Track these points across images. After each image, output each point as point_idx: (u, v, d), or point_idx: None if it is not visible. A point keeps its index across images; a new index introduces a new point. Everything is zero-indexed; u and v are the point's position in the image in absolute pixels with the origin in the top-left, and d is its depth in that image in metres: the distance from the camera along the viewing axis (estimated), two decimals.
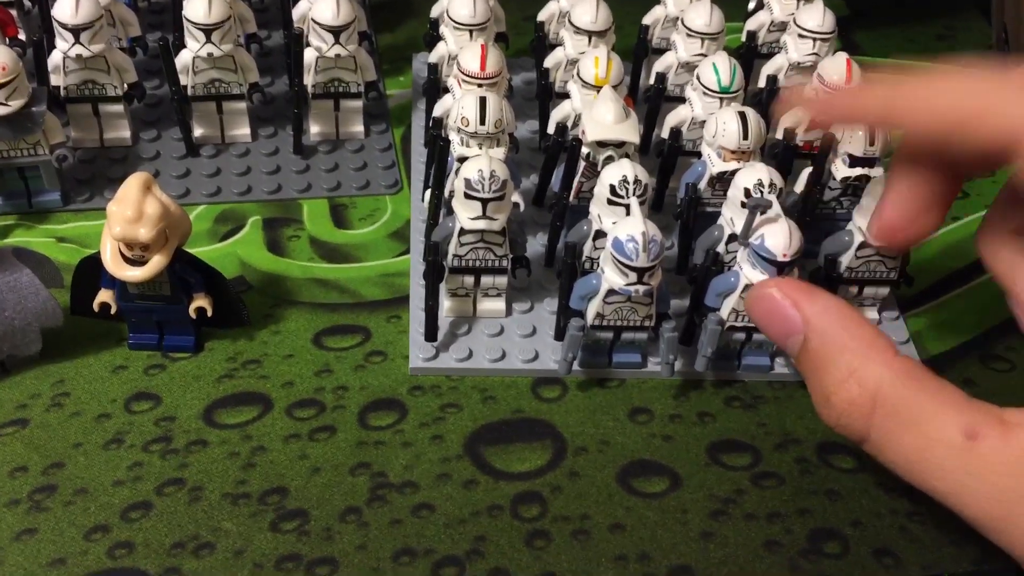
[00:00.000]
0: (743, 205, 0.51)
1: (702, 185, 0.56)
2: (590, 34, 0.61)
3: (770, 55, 0.66)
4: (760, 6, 0.69)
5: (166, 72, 0.61)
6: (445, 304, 0.55)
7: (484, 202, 0.50)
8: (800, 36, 0.62)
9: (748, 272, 0.50)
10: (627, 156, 0.54)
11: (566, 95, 0.61)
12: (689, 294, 0.54)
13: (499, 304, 0.56)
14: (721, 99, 0.57)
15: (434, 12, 0.67)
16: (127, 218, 0.48)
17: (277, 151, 0.65)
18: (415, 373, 0.54)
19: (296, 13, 0.66)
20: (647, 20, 0.67)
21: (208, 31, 0.59)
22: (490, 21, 0.61)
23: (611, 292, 0.50)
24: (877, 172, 0.55)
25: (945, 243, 0.63)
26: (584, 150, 0.55)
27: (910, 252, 0.55)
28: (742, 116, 0.54)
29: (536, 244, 0.59)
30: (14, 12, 0.67)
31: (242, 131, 0.65)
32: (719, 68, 0.57)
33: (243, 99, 0.64)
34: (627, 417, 0.52)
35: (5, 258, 0.50)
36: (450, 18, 0.61)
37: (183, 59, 0.61)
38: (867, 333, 0.39)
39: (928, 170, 0.44)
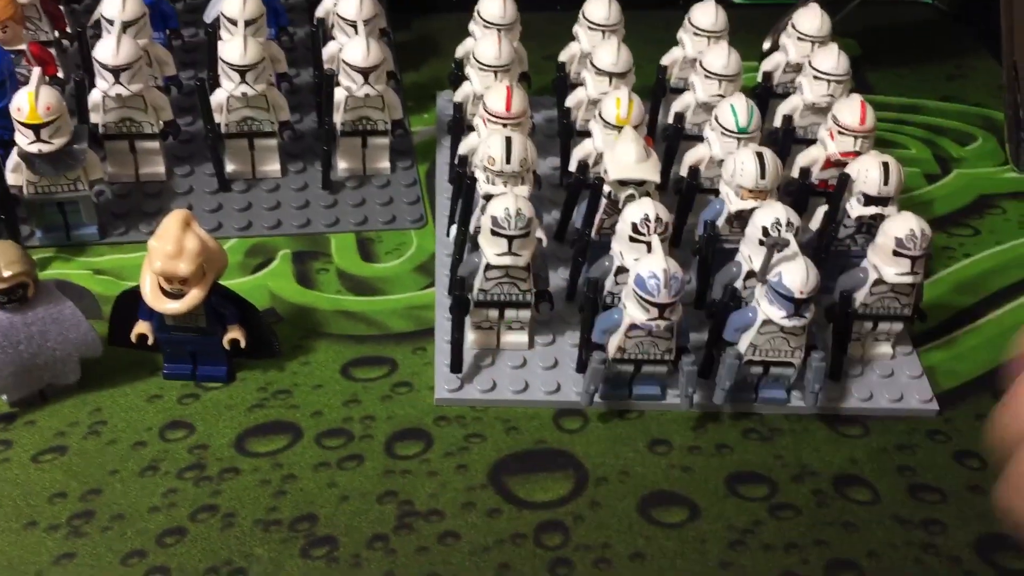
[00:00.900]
0: (761, 243, 0.52)
1: (720, 222, 0.58)
2: (611, 75, 0.63)
3: (785, 95, 0.67)
4: (775, 47, 0.70)
5: (202, 111, 0.64)
6: (470, 336, 0.57)
7: (510, 239, 0.52)
8: (815, 78, 0.63)
9: (765, 308, 0.51)
10: (648, 194, 0.55)
11: (587, 133, 0.63)
12: (707, 328, 0.56)
13: (522, 337, 0.57)
14: (739, 139, 0.59)
15: (459, 52, 0.69)
16: (168, 253, 0.50)
17: (306, 186, 0.68)
18: (440, 404, 0.55)
19: (326, 53, 0.68)
20: (665, 61, 0.69)
21: (243, 72, 0.62)
22: (514, 62, 0.63)
23: (633, 327, 0.51)
24: (891, 211, 0.56)
25: (957, 280, 0.65)
26: (606, 188, 0.57)
27: (923, 288, 0.56)
28: (759, 156, 0.55)
29: (558, 279, 0.61)
30: (53, 51, 0.69)
31: (273, 167, 0.68)
32: (737, 109, 0.59)
33: (274, 136, 0.66)
34: (647, 448, 0.54)
35: (49, 291, 0.51)
36: (476, 59, 0.63)
37: (218, 98, 0.64)
38: None
39: None
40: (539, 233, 0.56)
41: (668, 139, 0.66)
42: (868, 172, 0.56)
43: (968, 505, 0.51)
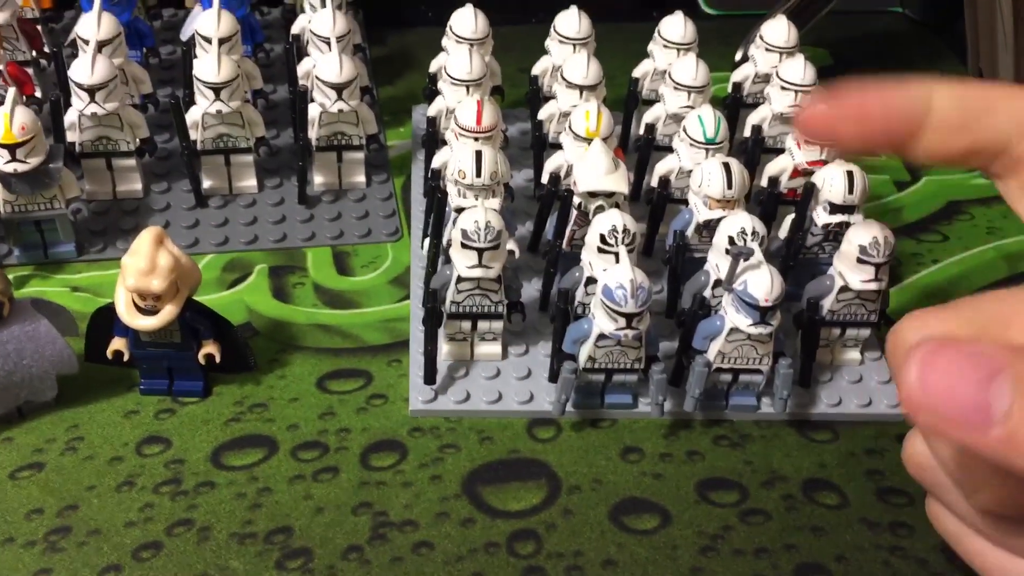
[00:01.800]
0: (727, 252, 0.53)
1: (689, 232, 0.58)
2: (581, 88, 0.64)
3: (755, 105, 0.68)
4: (745, 59, 0.71)
5: (177, 128, 0.64)
6: (444, 348, 0.58)
7: (480, 251, 0.53)
8: (782, 88, 0.64)
9: (732, 316, 0.52)
10: (617, 205, 0.56)
11: (559, 146, 0.63)
12: (678, 337, 0.57)
13: (495, 348, 0.58)
14: (707, 150, 0.60)
15: (432, 67, 0.70)
16: (141, 270, 0.50)
17: (282, 201, 0.68)
18: (415, 415, 0.56)
19: (300, 70, 0.69)
20: (637, 73, 0.70)
21: (217, 89, 0.62)
22: (486, 77, 0.64)
23: (602, 336, 0.52)
24: (857, 219, 0.57)
25: (925, 286, 0.66)
26: (576, 199, 0.58)
27: (889, 295, 0.57)
28: (726, 167, 0.56)
29: (531, 289, 0.62)
30: (30, 71, 0.70)
31: (249, 183, 0.68)
32: (704, 120, 0.60)
33: (250, 152, 0.67)
34: (619, 456, 0.54)
35: (24, 309, 0.52)
36: (448, 74, 0.64)
37: (193, 116, 0.64)
38: None
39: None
40: (511, 245, 0.56)
41: (639, 150, 0.67)
42: (833, 181, 0.57)
43: None
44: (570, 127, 0.61)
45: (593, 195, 0.57)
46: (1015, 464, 0.27)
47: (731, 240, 0.53)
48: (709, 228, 0.57)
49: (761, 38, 0.69)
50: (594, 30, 0.68)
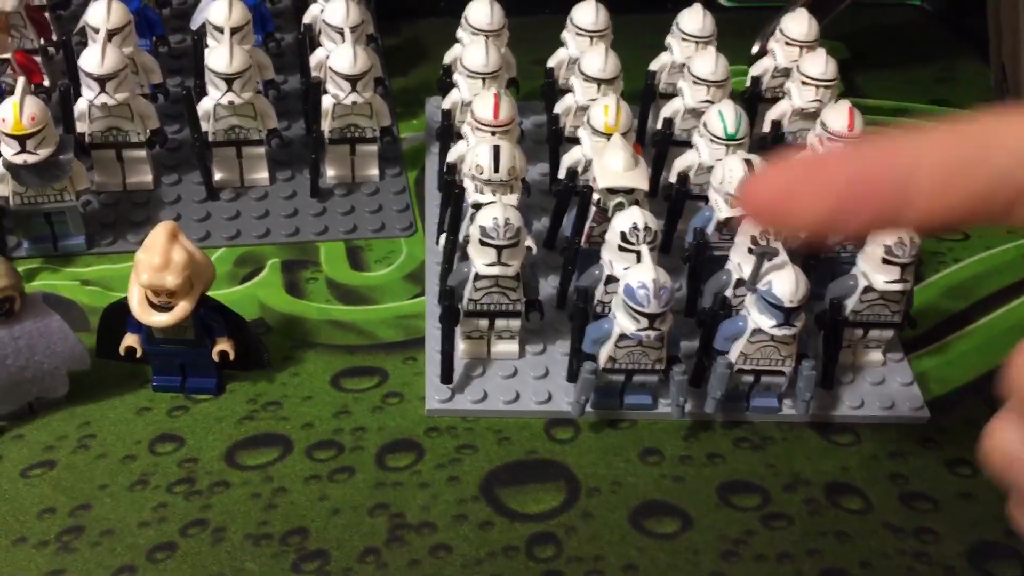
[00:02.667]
0: (750, 251, 0.52)
1: (710, 230, 0.58)
2: (599, 82, 0.63)
3: (774, 99, 0.67)
4: (764, 52, 0.70)
5: (188, 120, 0.63)
6: (460, 346, 0.57)
7: (499, 249, 0.52)
8: (803, 83, 0.63)
9: (756, 317, 0.51)
10: (637, 202, 0.55)
11: (576, 140, 0.62)
12: (698, 336, 0.56)
13: (513, 346, 0.57)
14: (727, 146, 0.59)
15: (447, 59, 0.69)
16: (154, 266, 0.49)
17: (295, 194, 0.67)
18: (431, 414, 0.55)
19: (313, 60, 0.68)
20: (654, 66, 0.69)
21: (229, 80, 0.61)
22: (502, 69, 0.63)
23: (623, 336, 0.51)
24: None
25: (947, 285, 0.65)
26: (595, 196, 0.57)
27: (913, 294, 0.56)
28: (748, 163, 0.55)
29: (548, 287, 0.61)
30: (39, 59, 0.69)
31: (261, 175, 0.67)
32: (725, 116, 0.59)
33: (262, 144, 0.66)
34: (638, 458, 0.54)
35: (35, 304, 0.51)
36: (463, 66, 0.63)
37: (205, 106, 0.63)
38: None
39: None
40: (528, 241, 0.56)
41: (657, 145, 0.66)
42: None
43: (960, 513, 0.52)
44: (588, 122, 0.60)
45: (613, 192, 0.56)
46: None
47: (754, 240, 0.52)
48: (730, 226, 0.56)
49: (781, 31, 0.68)
50: (611, 22, 0.67)
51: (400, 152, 0.71)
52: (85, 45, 0.62)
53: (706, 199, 0.59)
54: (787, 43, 0.67)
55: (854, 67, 0.83)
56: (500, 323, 0.56)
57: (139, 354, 0.53)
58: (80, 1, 0.80)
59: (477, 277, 0.53)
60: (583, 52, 0.64)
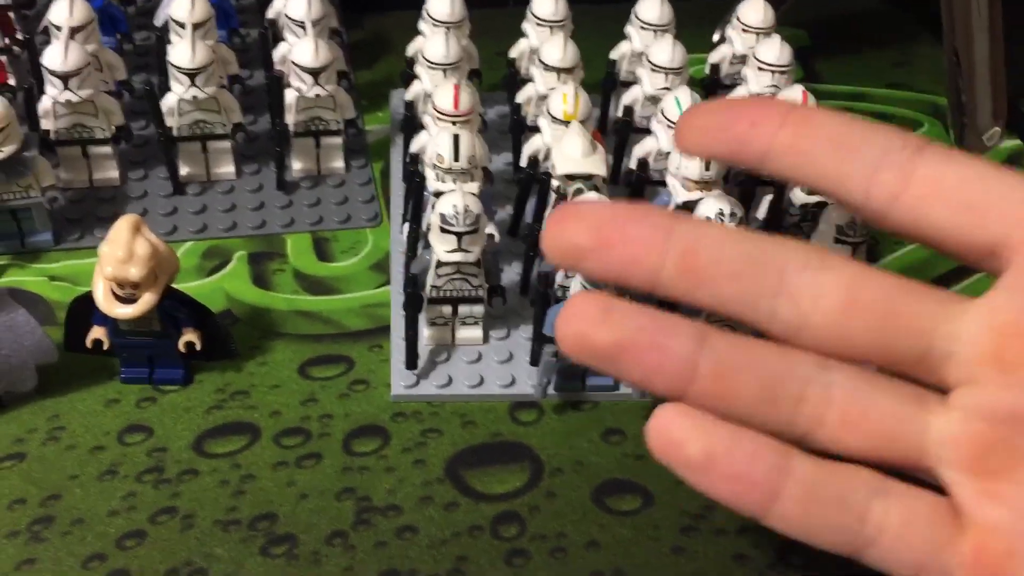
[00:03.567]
0: None
1: None
2: (558, 71, 0.64)
3: (733, 86, 0.68)
4: (723, 39, 0.72)
5: (152, 115, 0.64)
6: (425, 333, 0.58)
7: (459, 235, 0.53)
8: (759, 69, 0.65)
9: None
10: (596, 188, 0.56)
11: (538, 129, 0.63)
12: None
13: (476, 332, 0.58)
14: None
15: (409, 51, 0.70)
16: (118, 259, 0.50)
17: (261, 188, 0.68)
18: (397, 400, 0.56)
19: (276, 55, 0.69)
20: (614, 55, 0.70)
21: (192, 75, 0.62)
22: (463, 60, 0.64)
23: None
24: None
25: (903, 265, 0.66)
26: (554, 183, 0.58)
27: None
28: None
29: (511, 273, 0.62)
30: (3, 59, 0.69)
31: (227, 169, 0.68)
32: (681, 102, 0.60)
33: (227, 138, 0.66)
34: (600, 438, 0.55)
35: (2, 300, 0.52)
36: (425, 58, 0.64)
37: (168, 102, 0.64)
38: None
39: None
40: (491, 229, 0.56)
41: (618, 132, 0.67)
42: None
43: None
44: (548, 110, 0.61)
45: (571, 178, 0.57)
46: None
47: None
48: (688, 209, 0.57)
49: (738, 19, 0.69)
50: (570, 12, 0.68)
51: (366, 144, 0.72)
52: (49, 43, 0.63)
53: (665, 184, 0.60)
54: (744, 30, 0.68)
55: (816, 54, 0.84)
56: (463, 309, 0.57)
57: (106, 346, 0.54)
58: (45, 0, 0.80)
59: (439, 264, 0.54)
60: (543, 42, 0.65)
